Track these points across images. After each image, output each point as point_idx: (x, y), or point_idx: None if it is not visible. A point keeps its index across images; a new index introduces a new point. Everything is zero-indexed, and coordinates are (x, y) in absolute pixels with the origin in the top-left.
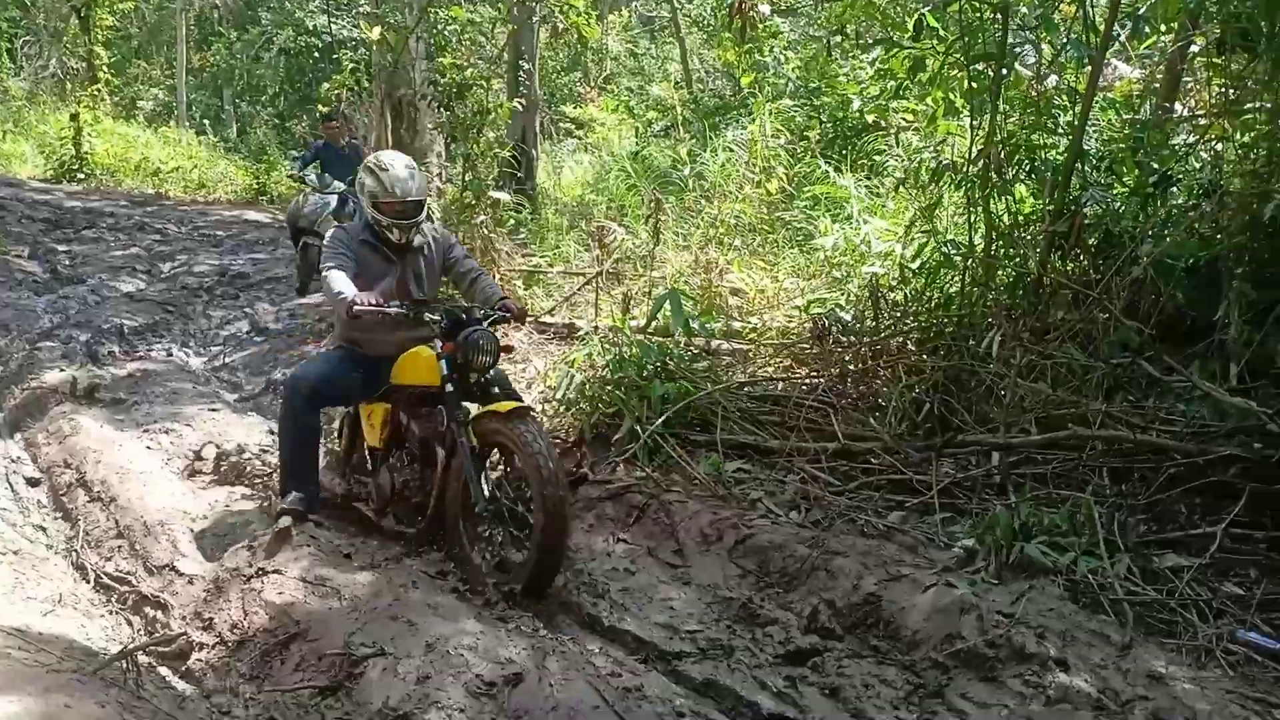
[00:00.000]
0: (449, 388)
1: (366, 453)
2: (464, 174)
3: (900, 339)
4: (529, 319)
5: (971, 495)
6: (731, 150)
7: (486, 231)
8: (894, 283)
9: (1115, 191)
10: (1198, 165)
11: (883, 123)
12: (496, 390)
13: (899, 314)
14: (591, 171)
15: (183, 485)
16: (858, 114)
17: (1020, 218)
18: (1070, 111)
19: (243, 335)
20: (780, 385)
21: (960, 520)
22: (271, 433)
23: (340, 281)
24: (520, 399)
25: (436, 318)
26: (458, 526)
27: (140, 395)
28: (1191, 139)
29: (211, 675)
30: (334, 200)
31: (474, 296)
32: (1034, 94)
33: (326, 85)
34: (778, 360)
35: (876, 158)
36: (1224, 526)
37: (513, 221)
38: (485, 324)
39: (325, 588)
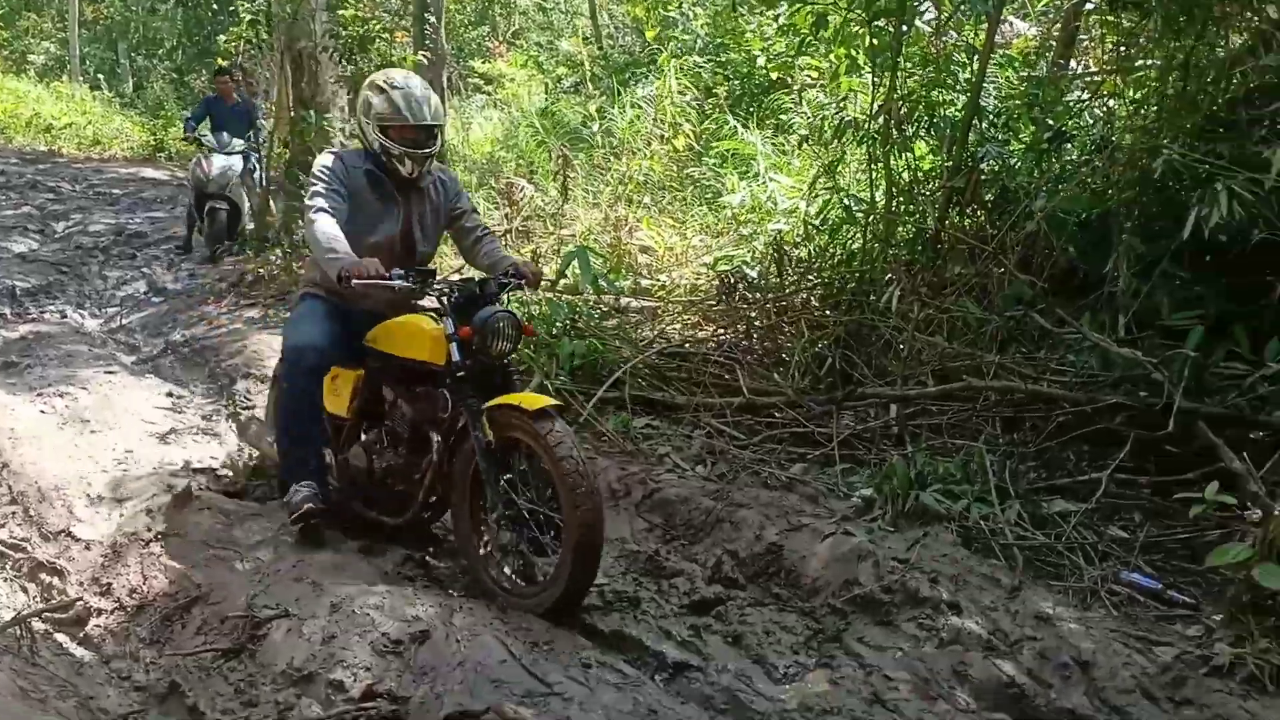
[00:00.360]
0: (460, 374)
1: (325, 420)
2: None
3: (804, 295)
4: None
5: (870, 446)
6: (640, 107)
7: None
8: (798, 239)
9: (1011, 148)
10: (1091, 121)
11: (789, 80)
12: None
13: (803, 270)
14: (501, 128)
15: (79, 450)
16: (763, 71)
17: (920, 174)
18: (968, 68)
19: (140, 296)
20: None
21: (859, 471)
22: (170, 395)
23: (330, 233)
24: (521, 387)
25: (446, 290)
26: (467, 533)
27: (33, 358)
28: (1085, 95)
29: (110, 641)
30: (239, 161)
31: (476, 259)
32: (933, 51)
33: (223, 38)
34: (686, 317)
35: (782, 116)
36: (1109, 472)
37: None
38: (502, 295)
39: (227, 550)
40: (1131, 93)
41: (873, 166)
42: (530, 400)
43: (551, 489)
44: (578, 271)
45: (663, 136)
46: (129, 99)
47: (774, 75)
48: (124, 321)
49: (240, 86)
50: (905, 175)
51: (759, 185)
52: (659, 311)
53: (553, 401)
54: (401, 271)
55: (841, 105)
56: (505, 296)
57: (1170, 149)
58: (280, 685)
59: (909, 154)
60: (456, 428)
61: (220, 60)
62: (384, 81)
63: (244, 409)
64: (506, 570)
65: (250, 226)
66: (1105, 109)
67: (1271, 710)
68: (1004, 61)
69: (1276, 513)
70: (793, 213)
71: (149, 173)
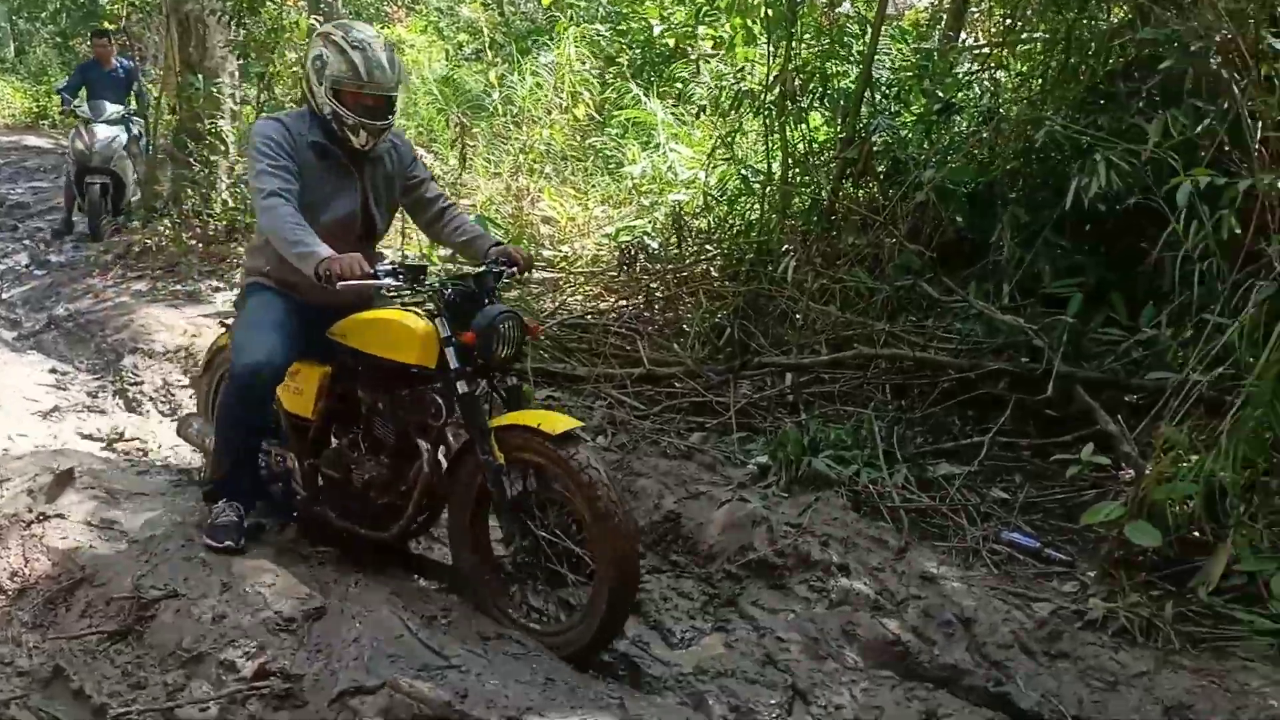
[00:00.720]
0: (462, 386)
1: (283, 418)
2: (260, 95)
3: (704, 265)
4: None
5: (766, 414)
6: (540, 75)
7: None
8: (698, 210)
9: (902, 119)
10: (979, 93)
11: (688, 49)
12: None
13: (702, 241)
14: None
15: None
16: (662, 39)
17: (814, 145)
18: (861, 40)
19: (21, 269)
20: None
21: (755, 439)
22: (54, 372)
23: (293, 222)
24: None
25: (439, 287)
26: (470, 560)
27: None
28: (974, 67)
29: None
30: (122, 131)
31: (445, 235)
32: (827, 22)
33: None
34: (587, 288)
35: (678, 84)
36: (991, 436)
37: None
38: (496, 285)
39: (113, 530)
40: (1018, 65)
41: (769, 137)
42: (550, 421)
43: (571, 514)
44: None
45: (564, 106)
46: (10, 64)
47: (672, 44)
48: (4, 295)
49: (131, 51)
50: (801, 146)
51: (659, 155)
52: (560, 282)
53: (576, 423)
54: (389, 267)
55: (738, 76)
56: (499, 289)
57: (1053, 120)
58: (169, 667)
59: (804, 125)
60: (449, 438)
61: (105, 23)
62: (342, 37)
63: (131, 385)
64: (522, 604)
65: (136, 196)
66: (993, 81)
67: (1140, 661)
68: (896, 33)
69: (1147, 472)
70: (692, 183)
71: (31, 141)
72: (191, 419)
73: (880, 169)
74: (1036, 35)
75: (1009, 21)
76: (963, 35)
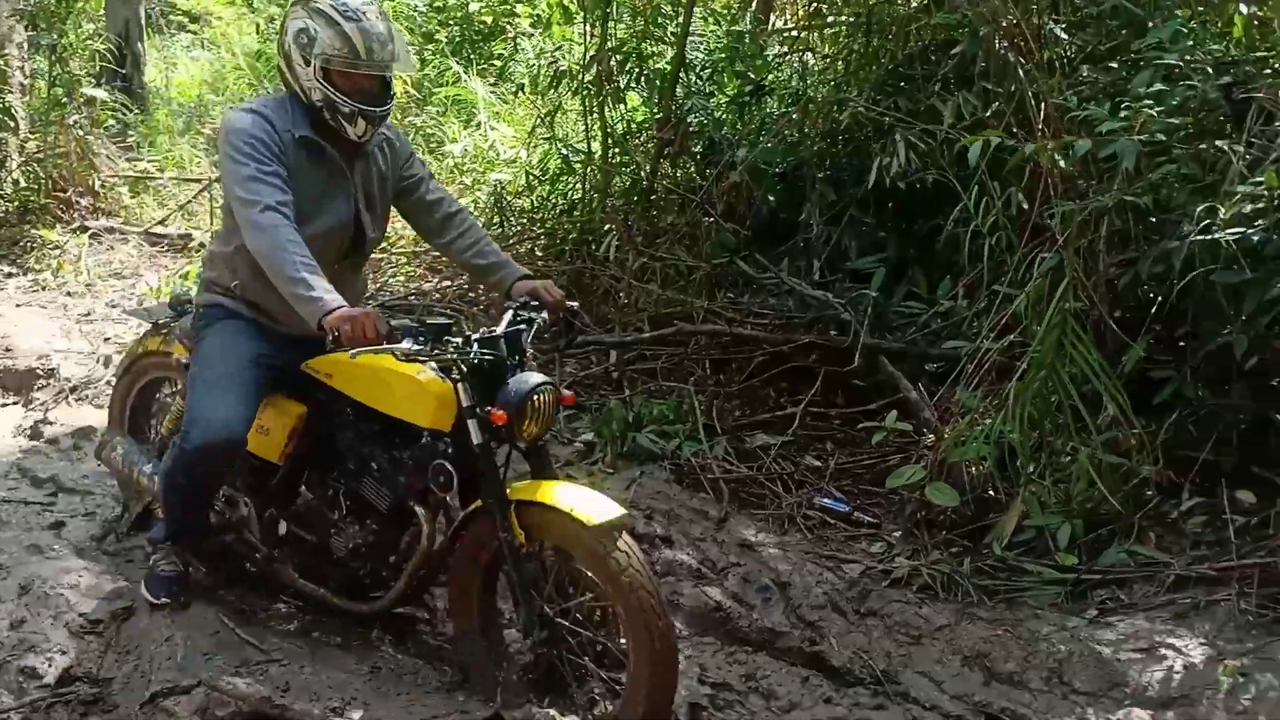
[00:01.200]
0: (484, 457)
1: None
2: (52, 68)
3: (527, 245)
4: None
5: (592, 392)
6: None
7: (81, 133)
8: (520, 190)
9: (716, 100)
10: (788, 75)
11: (507, 26)
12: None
13: (525, 221)
14: (210, 70)
15: None
16: (479, 16)
17: (633, 125)
18: (675, 21)
19: None
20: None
21: (582, 416)
22: None
23: (297, 254)
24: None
25: (465, 351)
26: (477, 644)
27: None
28: (784, 50)
29: None
30: None
31: (453, 250)
32: (642, 2)
33: None
34: (409, 268)
35: (502, 63)
36: (804, 406)
37: (112, 122)
38: (525, 334)
39: None
40: (824, 48)
41: (588, 117)
42: (585, 508)
43: (594, 598)
44: None
45: None
46: None
47: (490, 21)
48: None
49: None
50: (620, 126)
51: (480, 134)
52: (382, 263)
53: (619, 510)
54: (410, 324)
55: (556, 54)
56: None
57: (856, 101)
58: None
59: (622, 105)
60: (451, 505)
61: None
62: (330, 5)
63: None
64: (536, 698)
65: None
66: (801, 63)
67: (942, 615)
68: (709, 15)
69: (945, 436)
70: (514, 162)
71: None
72: (115, 441)
73: (696, 149)
74: (841, 19)
75: (815, 5)
76: (772, 18)
